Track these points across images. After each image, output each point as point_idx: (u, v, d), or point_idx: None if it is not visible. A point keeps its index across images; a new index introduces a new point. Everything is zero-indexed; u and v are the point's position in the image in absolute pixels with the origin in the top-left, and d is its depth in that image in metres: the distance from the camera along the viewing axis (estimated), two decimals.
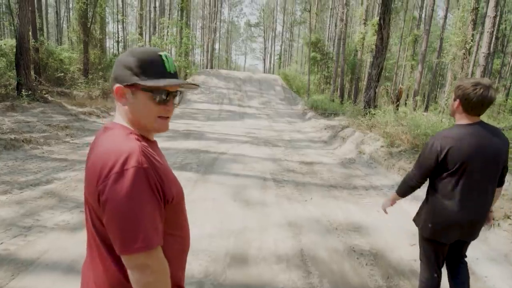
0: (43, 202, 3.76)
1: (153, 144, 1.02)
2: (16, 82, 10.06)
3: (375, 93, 9.74)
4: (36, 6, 17.84)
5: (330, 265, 2.93)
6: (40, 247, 2.82)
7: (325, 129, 11.37)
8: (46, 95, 11.01)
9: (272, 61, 53.81)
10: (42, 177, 4.64)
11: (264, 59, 55.12)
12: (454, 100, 1.89)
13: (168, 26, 22.35)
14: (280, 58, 46.36)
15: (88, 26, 17.41)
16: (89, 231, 0.96)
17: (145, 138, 0.99)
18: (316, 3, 30.52)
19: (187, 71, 22.88)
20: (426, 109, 20.20)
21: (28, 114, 8.61)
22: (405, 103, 19.29)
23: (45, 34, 30.67)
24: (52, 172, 4.96)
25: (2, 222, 3.20)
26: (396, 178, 5.70)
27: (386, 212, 2.31)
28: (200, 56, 47.10)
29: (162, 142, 7.66)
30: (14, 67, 10.24)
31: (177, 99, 1.01)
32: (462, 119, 1.89)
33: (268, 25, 54.08)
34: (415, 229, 3.82)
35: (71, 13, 31.85)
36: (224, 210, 3.98)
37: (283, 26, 49.47)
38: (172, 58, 0.98)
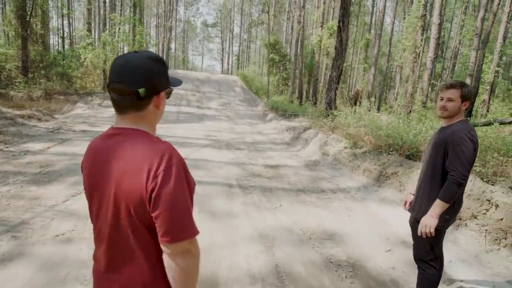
0: None
1: None
2: None
3: (335, 94, 9.85)
4: None
5: (309, 281, 2.70)
6: None
7: (287, 130, 11.31)
8: None
9: (230, 62, 53.43)
10: None
11: (222, 60, 54.58)
12: (464, 101, 2.06)
13: (119, 23, 21.00)
14: (238, 59, 46.12)
15: (27, 19, 15.71)
16: (125, 237, 0.98)
17: None
18: (274, 5, 30.80)
19: None
20: (378, 109, 21.22)
21: None
22: (359, 104, 20.08)
23: None
24: None
25: None
26: (362, 179, 5.69)
27: (433, 234, 2.02)
28: None
29: None
30: None
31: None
32: (460, 116, 2.11)
33: (225, 26, 53.61)
34: (388, 234, 3.78)
35: (7, 5, 28.76)
36: None
37: (240, 27, 49.36)
38: None
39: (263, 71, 32.12)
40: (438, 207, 2.00)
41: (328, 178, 5.94)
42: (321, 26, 21.02)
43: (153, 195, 0.90)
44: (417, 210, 2.19)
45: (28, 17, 15.77)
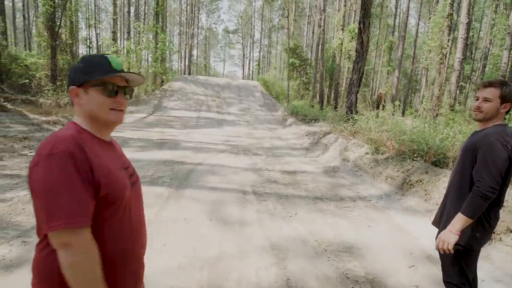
0: None
1: (104, 143, 1.11)
2: None
3: (356, 98, 9.53)
4: None
5: None
6: None
7: (306, 135, 11.07)
8: (6, 103, 10.10)
9: (251, 68, 53.72)
10: None
11: (243, 66, 54.98)
12: (504, 102, 1.78)
13: (142, 31, 21.59)
14: (258, 65, 46.26)
15: (56, 30, 16.44)
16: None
17: (96, 137, 1.09)
18: (294, 10, 30.69)
19: (163, 77, 22.16)
20: (403, 113, 20.47)
21: None
22: (383, 108, 19.51)
23: (12, 39, 28.94)
24: None
25: None
26: (384, 187, 5.39)
27: (452, 252, 1.79)
28: (178, 63, 46.30)
29: (133, 153, 7.05)
30: None
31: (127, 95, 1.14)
32: (499, 120, 1.83)
33: (246, 32, 54.05)
34: (411, 247, 3.49)
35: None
36: (198, 233, 3.47)
37: (261, 33, 49.59)
38: (120, 59, 1.26)
39: (284, 76, 31.98)
40: (459, 222, 1.75)
41: (348, 185, 5.67)
42: (342, 29, 20.66)
43: (29, 183, 0.94)
44: (444, 223, 1.94)
45: (57, 28, 16.49)
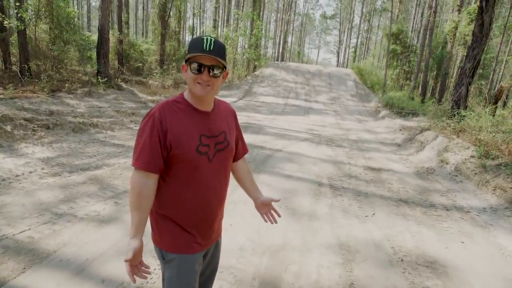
0: (84, 189, 3.71)
1: (197, 112, 1.28)
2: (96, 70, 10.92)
3: (467, 91, 8.11)
4: (123, 2, 19.38)
5: None
6: (61, 239, 2.67)
7: (400, 130, 10.03)
8: (121, 83, 11.77)
9: (346, 55, 51.07)
10: (94, 162, 4.70)
11: (338, 53, 52.59)
12: None
13: (240, 18, 22.41)
14: (355, 52, 43.55)
15: (166, 19, 18.30)
16: None
17: (192, 106, 1.28)
18: None
19: (256, 63, 22.73)
20: None
21: (102, 100, 9.21)
22: (504, 105, 16.25)
23: (133, 28, 33.40)
24: (105, 157, 5.02)
25: (39, 206, 3.17)
26: (490, 199, 4.50)
27: None
28: (272, 49, 46.95)
29: None
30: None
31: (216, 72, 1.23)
32: None
33: (344, 17, 51.30)
34: None
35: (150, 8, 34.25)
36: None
37: (361, 17, 46.37)
38: (214, 40, 1.20)
39: (382, 64, 29.44)
40: None
41: (442, 191, 4.92)
42: (459, 10, 17.76)
43: None
44: None
45: (167, 16, 18.32)
